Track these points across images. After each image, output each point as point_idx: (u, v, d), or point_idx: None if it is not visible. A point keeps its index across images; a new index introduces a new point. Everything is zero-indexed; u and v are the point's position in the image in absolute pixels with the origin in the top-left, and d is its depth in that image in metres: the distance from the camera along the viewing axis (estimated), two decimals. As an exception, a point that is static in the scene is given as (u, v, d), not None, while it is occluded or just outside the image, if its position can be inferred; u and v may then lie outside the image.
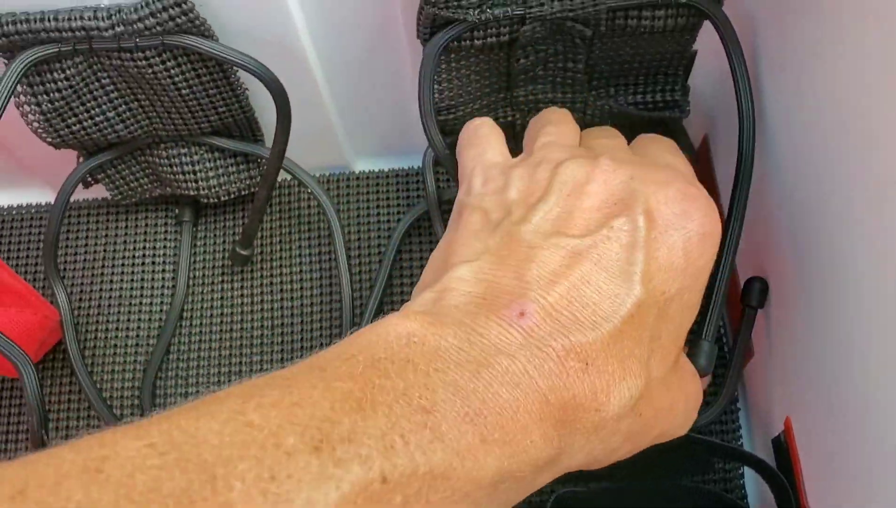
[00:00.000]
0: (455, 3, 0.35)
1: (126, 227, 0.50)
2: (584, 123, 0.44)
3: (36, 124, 0.40)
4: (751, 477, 0.42)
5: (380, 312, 0.46)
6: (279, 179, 0.49)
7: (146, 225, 0.50)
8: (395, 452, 0.20)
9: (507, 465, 0.22)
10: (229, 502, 0.18)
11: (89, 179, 0.46)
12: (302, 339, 0.46)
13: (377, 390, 0.21)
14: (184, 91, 0.40)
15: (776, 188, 0.37)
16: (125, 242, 0.50)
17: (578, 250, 0.26)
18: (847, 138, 0.29)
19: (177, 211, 0.49)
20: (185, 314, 0.47)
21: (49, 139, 0.41)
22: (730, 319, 0.44)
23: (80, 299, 0.48)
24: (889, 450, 0.27)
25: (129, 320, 0.48)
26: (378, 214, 0.48)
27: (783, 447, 0.38)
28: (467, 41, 0.37)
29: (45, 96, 0.39)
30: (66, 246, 0.50)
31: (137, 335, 0.47)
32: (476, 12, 0.36)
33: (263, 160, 0.45)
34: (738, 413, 0.43)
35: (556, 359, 0.24)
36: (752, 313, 0.39)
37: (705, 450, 0.40)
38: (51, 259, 0.46)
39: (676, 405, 0.28)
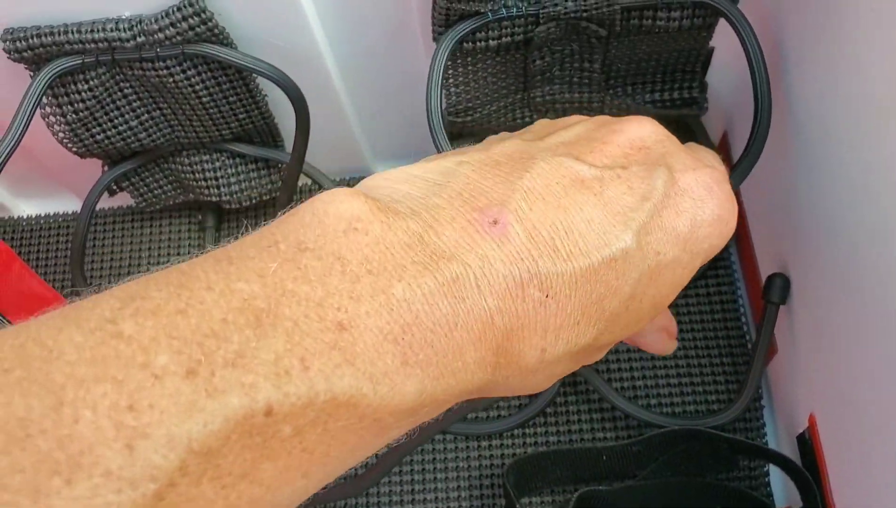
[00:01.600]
0: (467, -3, 0.36)
1: (151, 234, 0.51)
2: (602, 123, 0.44)
3: (62, 134, 0.41)
4: (776, 474, 0.41)
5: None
6: (300, 183, 0.49)
7: (170, 232, 0.50)
8: (289, 379, 0.17)
9: (430, 389, 0.19)
10: (73, 436, 0.15)
11: (114, 187, 0.47)
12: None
13: (287, 297, 0.18)
14: (204, 99, 0.40)
15: (798, 184, 0.37)
16: (150, 248, 0.50)
17: (582, 176, 0.23)
18: (872, 132, 0.29)
19: (200, 217, 0.50)
20: (209, 319, 0.48)
21: (74, 149, 0.42)
22: (752, 315, 0.44)
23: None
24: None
25: (155, 325, 0.48)
26: (398, 216, 0.49)
27: (808, 443, 0.37)
28: (482, 42, 0.38)
29: (69, 107, 0.40)
30: (93, 254, 0.51)
31: (163, 341, 0.48)
32: (489, 6, 0.36)
33: (284, 165, 0.46)
34: (763, 411, 0.42)
35: (516, 281, 0.21)
36: (774, 310, 0.38)
37: (729, 448, 0.40)
38: (78, 267, 0.47)
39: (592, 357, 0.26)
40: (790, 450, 0.39)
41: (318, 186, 0.49)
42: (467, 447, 0.43)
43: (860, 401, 0.32)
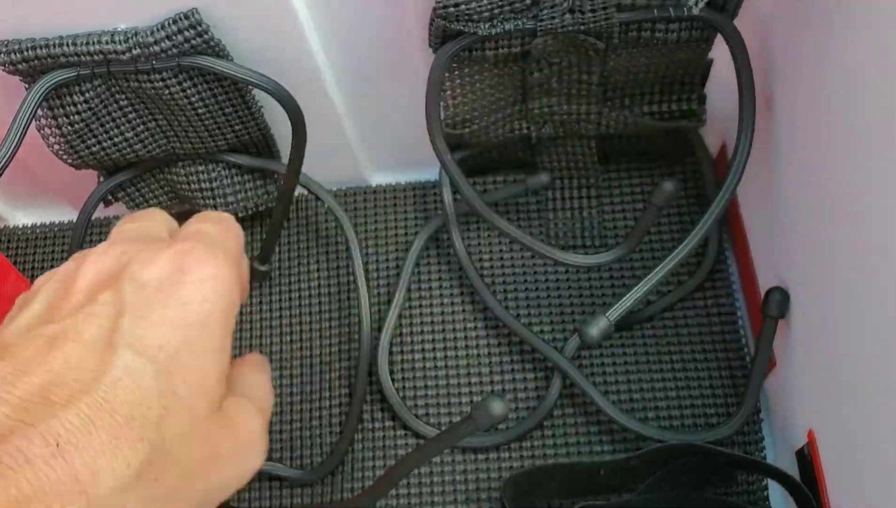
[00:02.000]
0: (465, 17, 0.35)
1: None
2: (601, 135, 0.44)
3: (57, 147, 0.41)
4: (775, 490, 0.41)
5: (399, 327, 0.46)
6: (296, 194, 0.49)
7: (166, 242, 0.50)
8: None
9: None
10: None
11: (109, 197, 0.46)
12: (321, 354, 0.46)
13: None
14: (200, 111, 0.40)
15: (796, 198, 0.36)
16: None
17: (57, 333, 0.24)
18: (868, 147, 0.29)
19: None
20: (205, 330, 0.48)
21: (70, 161, 0.42)
22: (751, 329, 0.44)
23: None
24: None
25: (150, 336, 0.48)
26: (395, 227, 0.48)
27: (807, 459, 0.37)
28: (478, 51, 0.37)
29: (65, 119, 0.40)
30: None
31: (159, 352, 0.48)
32: (486, 26, 0.36)
33: (280, 176, 0.46)
34: (762, 425, 0.42)
35: (12, 454, 0.21)
36: (773, 324, 0.38)
37: (728, 463, 0.39)
38: None
39: (220, 453, 0.27)
40: (789, 465, 0.39)
41: (314, 197, 0.49)
42: (464, 459, 0.43)
43: (860, 418, 0.32)
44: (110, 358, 0.24)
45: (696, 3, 0.35)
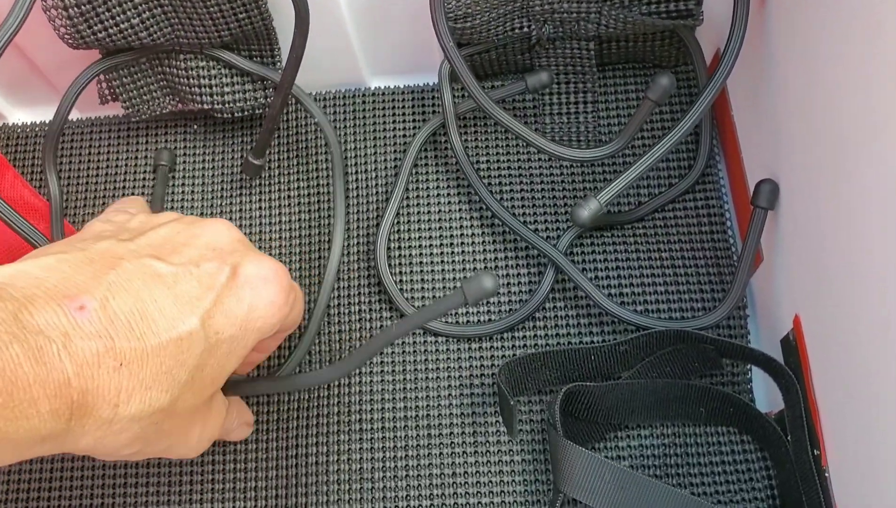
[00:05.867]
0: None
1: (137, 144, 0.51)
2: (599, 38, 0.45)
3: (63, 29, 0.41)
4: (759, 380, 0.42)
5: (396, 223, 0.46)
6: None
7: (157, 142, 0.51)
8: None
9: (3, 427, 0.24)
10: None
11: (106, 92, 0.47)
12: (320, 250, 0.47)
13: None
14: (206, -6, 0.40)
15: (787, 91, 0.37)
16: (136, 158, 0.50)
17: (160, 272, 0.30)
18: (862, 41, 0.30)
19: (184, 128, 0.50)
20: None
21: (73, 43, 0.42)
22: (739, 229, 0.45)
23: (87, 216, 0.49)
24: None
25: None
26: (394, 129, 0.49)
27: (792, 345, 0.38)
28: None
29: (71, 0, 0.40)
30: (71, 163, 0.50)
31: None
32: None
33: (275, 83, 0.46)
34: (747, 320, 0.43)
35: (94, 352, 0.26)
36: (762, 214, 0.39)
37: (715, 349, 0.41)
38: (51, 152, 0.46)
39: (192, 432, 0.33)
40: (773, 355, 0.40)
41: (301, 107, 0.49)
42: (458, 348, 0.44)
43: (845, 300, 0.33)
44: (185, 318, 0.29)
45: None
